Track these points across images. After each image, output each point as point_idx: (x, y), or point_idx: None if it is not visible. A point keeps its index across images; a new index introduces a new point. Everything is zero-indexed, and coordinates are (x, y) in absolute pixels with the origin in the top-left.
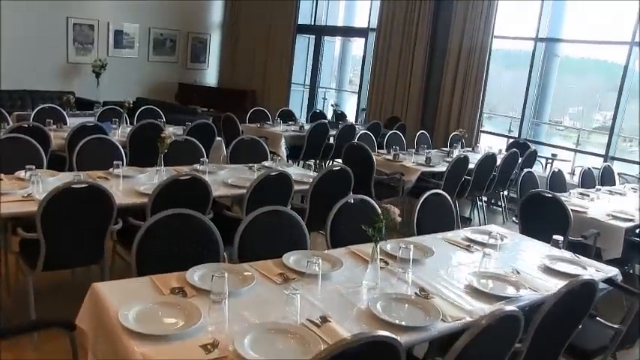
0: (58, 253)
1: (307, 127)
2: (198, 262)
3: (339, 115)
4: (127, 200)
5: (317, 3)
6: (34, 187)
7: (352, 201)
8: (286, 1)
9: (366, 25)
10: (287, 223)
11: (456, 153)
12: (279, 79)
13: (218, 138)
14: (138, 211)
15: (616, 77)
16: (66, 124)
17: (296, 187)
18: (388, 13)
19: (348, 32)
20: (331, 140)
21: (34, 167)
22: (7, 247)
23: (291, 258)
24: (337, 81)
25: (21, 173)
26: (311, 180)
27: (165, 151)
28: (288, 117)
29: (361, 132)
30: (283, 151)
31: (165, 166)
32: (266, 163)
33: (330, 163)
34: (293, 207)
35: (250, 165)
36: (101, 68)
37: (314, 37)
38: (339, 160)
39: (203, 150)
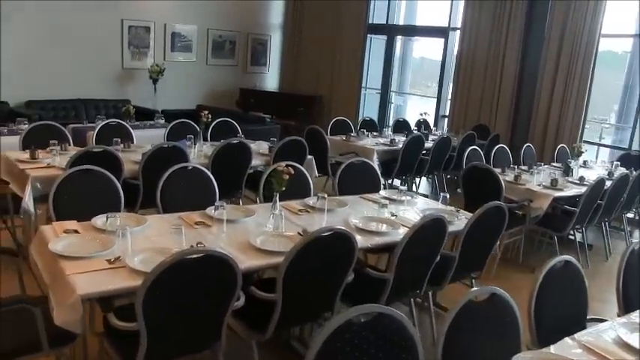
0: (163, 344)
1: (396, 138)
2: None
3: (422, 124)
4: (251, 262)
5: (390, 1)
6: (122, 245)
7: None
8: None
9: (446, 25)
10: None
11: (592, 174)
12: (348, 83)
13: (309, 156)
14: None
15: None
16: (133, 141)
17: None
18: (474, 12)
19: (424, 32)
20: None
21: (116, 215)
22: (88, 328)
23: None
24: (398, 84)
25: (98, 220)
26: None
27: (284, 189)
28: (370, 127)
29: (458, 144)
30: (376, 168)
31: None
32: (384, 193)
33: (419, 181)
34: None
35: (372, 198)
36: (159, 74)
37: (385, 37)
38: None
39: (309, 178)
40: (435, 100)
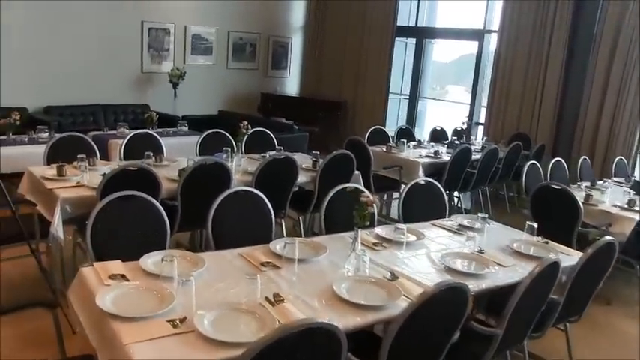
0: None
1: (439, 149)
2: None
3: (462, 133)
4: (346, 320)
5: (419, 2)
6: (182, 297)
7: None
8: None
9: (481, 27)
10: None
11: None
12: (374, 87)
13: (356, 172)
14: None
15: None
16: (163, 154)
17: None
18: (513, 14)
19: (455, 35)
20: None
21: (172, 257)
22: None
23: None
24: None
25: (149, 261)
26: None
27: (367, 223)
28: (408, 136)
29: (504, 156)
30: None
31: None
32: (459, 219)
33: (458, 197)
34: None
35: (445, 225)
36: (179, 78)
37: (414, 40)
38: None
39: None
40: (456, 104)
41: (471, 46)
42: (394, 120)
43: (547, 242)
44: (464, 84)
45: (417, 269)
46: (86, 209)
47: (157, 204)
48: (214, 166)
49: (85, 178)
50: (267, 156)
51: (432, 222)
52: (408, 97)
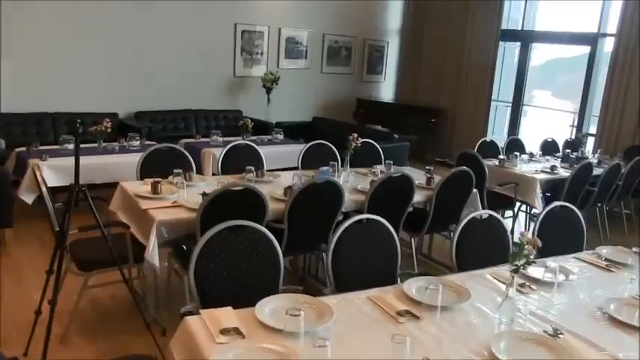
0: None
1: (554, 164)
2: None
3: (574, 145)
4: None
5: (526, 3)
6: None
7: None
8: (488, 0)
9: (595, 30)
10: None
11: None
12: (476, 94)
13: (474, 190)
14: None
15: None
16: (264, 166)
17: None
18: (633, 16)
19: (564, 39)
20: None
21: (298, 313)
22: None
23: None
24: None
25: (266, 311)
26: None
27: (526, 268)
28: (519, 149)
29: (626, 171)
30: (539, 201)
31: None
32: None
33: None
34: None
35: (593, 261)
36: (273, 82)
37: (519, 44)
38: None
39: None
40: (554, 111)
41: (563, 50)
42: (494, 129)
43: None
44: (548, 89)
45: (576, 320)
46: (184, 231)
47: (269, 235)
48: (326, 185)
49: (182, 197)
50: (377, 171)
51: (574, 255)
52: (510, 104)
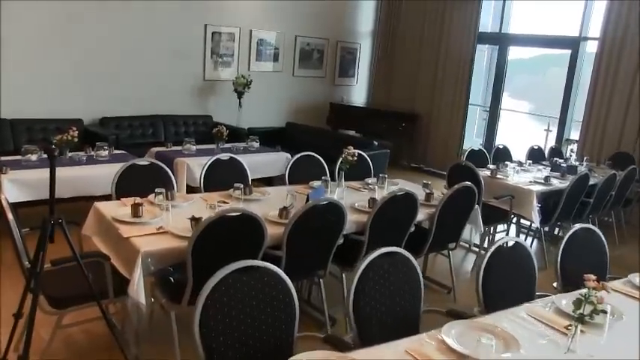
0: None
1: (547, 174)
2: None
3: (560, 151)
4: None
5: (504, 5)
6: None
7: None
8: (466, 1)
9: (576, 34)
10: None
11: None
12: (452, 98)
13: (476, 206)
14: None
15: None
16: (249, 181)
17: None
18: (618, 19)
19: (544, 42)
20: None
21: None
22: None
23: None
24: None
25: None
26: None
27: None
28: (505, 157)
29: (619, 180)
30: (536, 215)
31: None
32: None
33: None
34: None
35: (622, 289)
36: (245, 86)
37: (491, 47)
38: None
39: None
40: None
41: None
42: (475, 134)
43: None
44: (507, 90)
45: None
46: (172, 261)
47: (283, 275)
48: (327, 207)
49: (167, 221)
50: (372, 185)
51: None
52: (487, 108)
